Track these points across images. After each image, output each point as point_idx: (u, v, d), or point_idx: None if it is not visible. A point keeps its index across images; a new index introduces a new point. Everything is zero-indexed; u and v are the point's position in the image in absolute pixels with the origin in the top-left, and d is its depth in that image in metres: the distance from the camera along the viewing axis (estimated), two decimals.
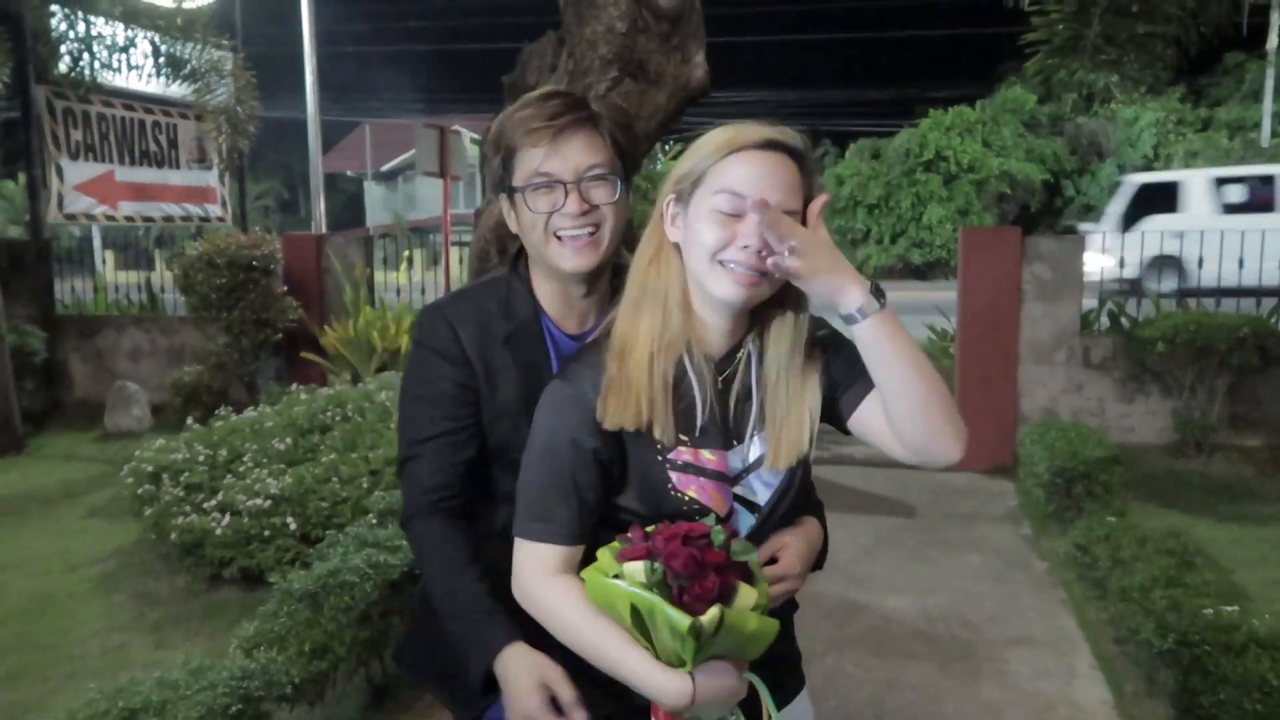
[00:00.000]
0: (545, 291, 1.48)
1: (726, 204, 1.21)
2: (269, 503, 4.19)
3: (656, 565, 1.13)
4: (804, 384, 1.31)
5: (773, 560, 1.31)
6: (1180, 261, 11.82)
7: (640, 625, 1.15)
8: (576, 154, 1.39)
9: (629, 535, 1.19)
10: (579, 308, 1.49)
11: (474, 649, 1.34)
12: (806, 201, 1.25)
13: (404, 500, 1.49)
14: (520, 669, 1.29)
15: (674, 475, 1.26)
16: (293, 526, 4.14)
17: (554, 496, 1.26)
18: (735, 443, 1.30)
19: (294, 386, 5.91)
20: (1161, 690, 3.07)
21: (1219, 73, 28.35)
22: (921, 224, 26.40)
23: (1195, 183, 15.59)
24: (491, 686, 1.33)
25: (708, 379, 1.27)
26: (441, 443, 1.43)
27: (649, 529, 1.20)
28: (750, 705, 1.27)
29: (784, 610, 1.37)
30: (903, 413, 1.23)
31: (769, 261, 1.19)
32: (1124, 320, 6.84)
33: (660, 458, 1.26)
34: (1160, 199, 15.48)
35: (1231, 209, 12.57)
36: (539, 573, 1.27)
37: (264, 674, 2.57)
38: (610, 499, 1.29)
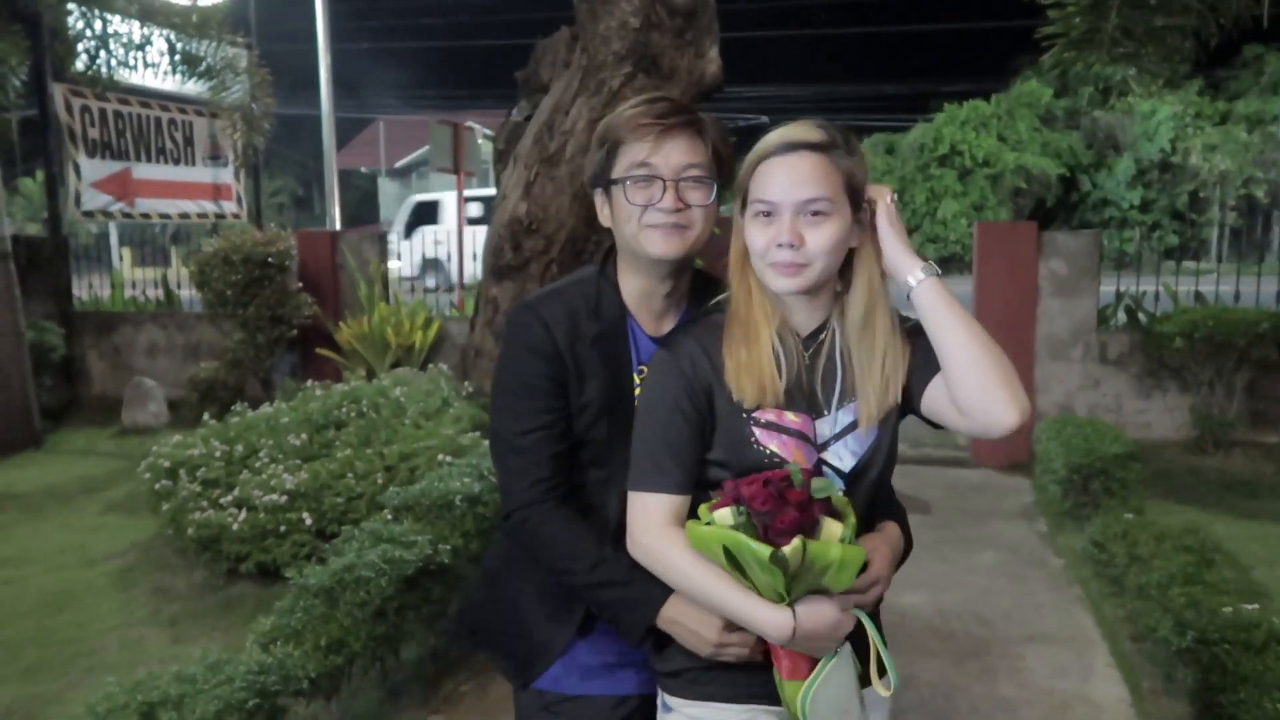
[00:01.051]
0: (631, 290, 1.55)
1: (762, 209, 1.36)
2: (285, 498, 4.21)
3: (741, 508, 1.27)
4: (885, 348, 1.41)
5: (864, 566, 1.39)
6: (441, 262, 14.52)
7: (736, 566, 1.27)
8: (678, 153, 1.46)
9: (723, 487, 1.33)
10: (660, 307, 1.56)
11: (635, 608, 1.43)
12: (849, 181, 1.37)
13: (506, 493, 1.52)
14: (691, 609, 1.40)
15: (757, 431, 1.38)
16: (308, 522, 4.16)
17: (661, 452, 1.40)
18: (825, 412, 1.42)
19: (309, 383, 5.93)
20: (1180, 688, 3.04)
21: (1238, 65, 28.06)
22: (936, 219, 26.29)
23: (449, 201, 18.97)
24: (643, 637, 1.44)
25: (793, 350, 1.41)
26: (542, 435, 1.49)
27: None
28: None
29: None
30: (958, 371, 1.33)
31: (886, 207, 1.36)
32: (1141, 316, 6.79)
33: (745, 414, 1.39)
34: (428, 214, 19.69)
35: (472, 222, 14.19)
36: (652, 524, 1.39)
37: (280, 669, 2.58)
38: (703, 455, 1.42)
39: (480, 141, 10.74)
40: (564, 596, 1.54)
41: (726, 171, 1.51)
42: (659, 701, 1.50)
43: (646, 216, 1.46)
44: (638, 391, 1.51)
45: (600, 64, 4.78)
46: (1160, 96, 25.69)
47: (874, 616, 1.45)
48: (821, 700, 1.34)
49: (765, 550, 1.22)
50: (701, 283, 1.60)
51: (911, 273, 1.35)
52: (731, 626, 1.37)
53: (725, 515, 1.28)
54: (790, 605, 1.29)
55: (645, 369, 1.52)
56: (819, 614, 1.30)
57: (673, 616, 1.41)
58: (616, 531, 1.49)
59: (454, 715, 3.23)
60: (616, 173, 1.49)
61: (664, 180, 1.45)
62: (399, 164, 36.06)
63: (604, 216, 1.54)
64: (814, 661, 1.35)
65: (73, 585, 4.42)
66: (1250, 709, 2.40)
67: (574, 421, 1.51)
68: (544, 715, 1.57)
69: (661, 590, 1.42)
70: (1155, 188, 26.75)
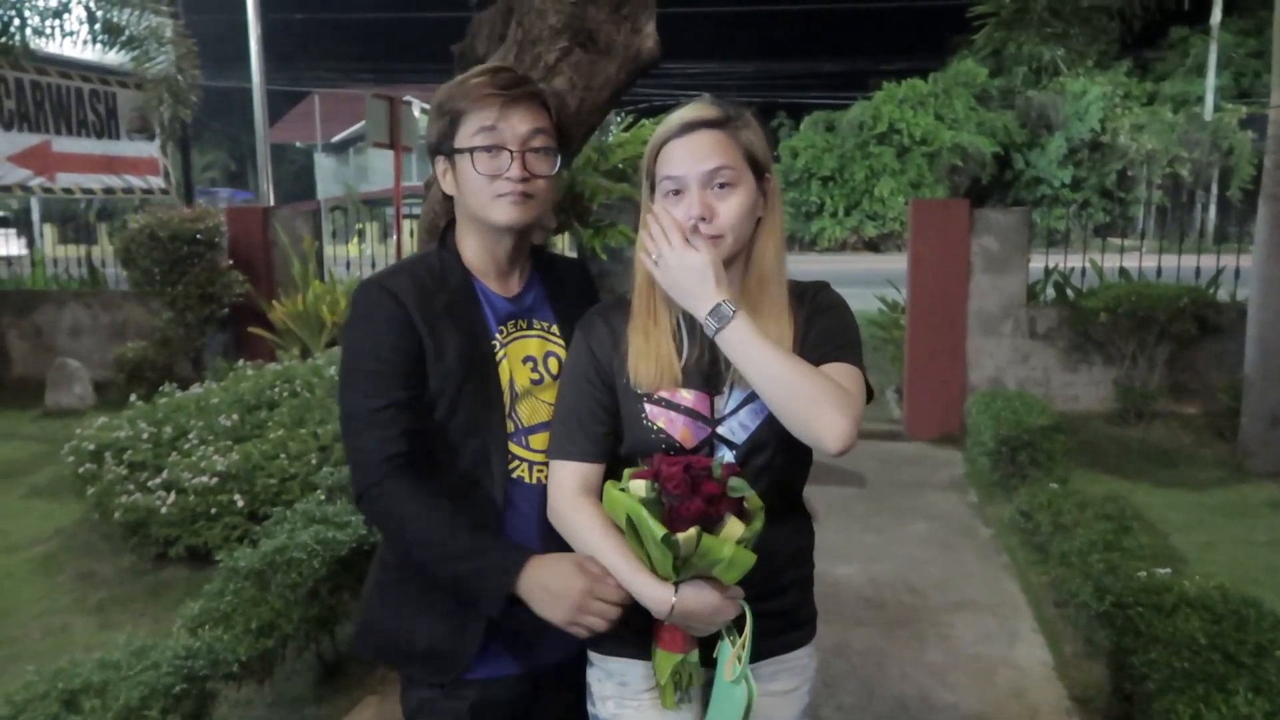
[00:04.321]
0: (476, 254, 1.57)
1: (671, 186, 1.41)
2: (215, 480, 4.13)
3: (655, 484, 1.30)
4: (778, 324, 1.42)
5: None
6: None
7: (635, 535, 1.32)
8: (524, 123, 1.48)
9: (652, 459, 1.35)
10: (505, 268, 1.58)
11: (491, 576, 1.40)
12: (749, 152, 1.41)
13: (358, 470, 1.48)
14: (552, 568, 1.39)
15: (648, 407, 1.43)
16: (240, 504, 4.08)
17: (574, 423, 1.46)
18: (723, 389, 1.44)
19: (241, 362, 5.82)
20: (1099, 651, 3.15)
21: (1165, 47, 28.80)
22: (874, 196, 26.62)
23: None
24: (504, 608, 1.41)
25: (697, 329, 1.42)
26: (395, 411, 1.46)
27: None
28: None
29: (800, 574, 1.55)
30: (772, 408, 1.36)
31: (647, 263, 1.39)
32: (1069, 292, 6.97)
33: (639, 391, 1.43)
34: None
35: None
36: (566, 491, 1.44)
37: (209, 653, 2.54)
38: (613, 427, 1.47)
39: (418, 116, 10.53)
40: None
41: (566, 142, 1.56)
42: (588, 655, 1.53)
43: (495, 186, 1.48)
44: (499, 353, 1.53)
45: (536, 38, 4.71)
46: (1091, 77, 26.26)
47: (774, 621, 1.48)
48: (712, 689, 1.40)
49: (660, 531, 1.26)
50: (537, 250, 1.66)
51: (699, 316, 1.35)
52: (594, 601, 1.37)
53: (639, 486, 1.32)
54: (676, 584, 1.33)
55: (504, 330, 1.55)
56: (701, 597, 1.33)
57: (533, 580, 1.39)
58: (504, 504, 1.49)
59: (390, 695, 3.22)
60: (460, 142, 1.50)
61: (510, 150, 1.47)
62: (335, 139, 35.33)
63: (447, 184, 1.54)
64: (691, 640, 1.39)
65: None
66: (1160, 668, 2.50)
67: (441, 388, 1.48)
68: (445, 702, 1.54)
69: (520, 555, 1.41)
70: (1085, 166, 27.38)
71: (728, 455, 1.42)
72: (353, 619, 3.42)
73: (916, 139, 26.29)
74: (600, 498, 1.43)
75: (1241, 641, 2.53)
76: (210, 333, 7.69)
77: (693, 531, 1.26)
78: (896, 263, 9.60)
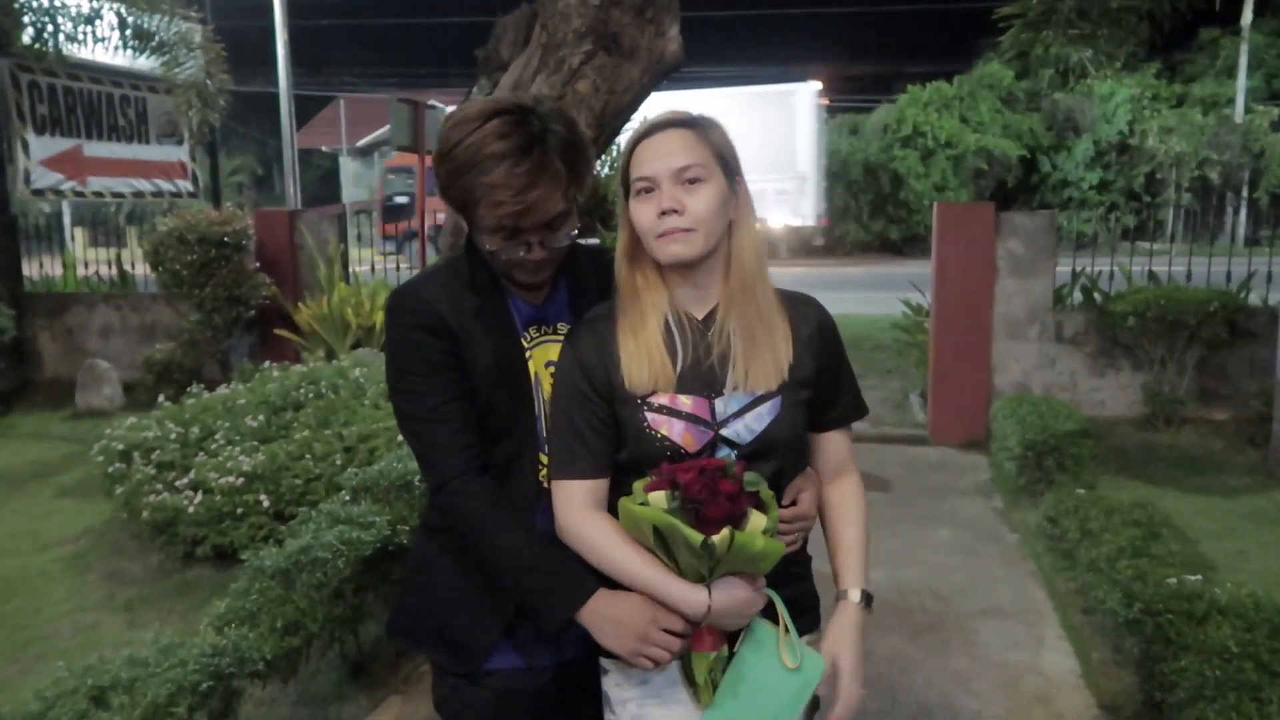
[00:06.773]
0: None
1: (642, 185, 1.43)
2: (241, 480, 4.17)
3: (676, 493, 1.32)
4: (768, 319, 1.47)
5: (793, 502, 1.52)
6: None
7: (663, 545, 1.34)
8: (543, 210, 1.41)
9: (660, 469, 1.37)
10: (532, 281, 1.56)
11: (560, 596, 1.42)
12: (718, 151, 1.44)
13: (434, 465, 1.49)
14: (620, 601, 1.40)
15: (649, 416, 1.44)
16: (266, 504, 4.12)
17: (572, 439, 1.46)
18: (723, 391, 1.45)
19: (267, 364, 5.87)
20: (1128, 659, 3.12)
21: (1194, 49, 28.43)
22: (899, 200, 26.43)
23: None
24: (563, 628, 1.44)
25: (688, 334, 1.46)
26: (459, 406, 1.48)
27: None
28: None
29: (800, 560, 1.58)
30: None
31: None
32: (1096, 295, 6.90)
33: (639, 401, 1.44)
34: None
35: None
36: (575, 508, 1.44)
37: (235, 651, 2.56)
38: (613, 437, 1.48)
39: (441, 120, 10.59)
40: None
41: (579, 182, 1.48)
42: (600, 664, 1.54)
43: (508, 252, 1.47)
44: (528, 355, 1.54)
45: (560, 41, 4.73)
46: (1118, 79, 25.97)
47: (806, 565, 1.58)
48: (736, 678, 1.40)
49: (698, 537, 1.28)
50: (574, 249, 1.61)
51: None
52: (657, 632, 1.38)
53: (660, 498, 1.33)
54: (707, 585, 1.35)
55: (529, 335, 1.56)
56: (733, 594, 1.36)
57: (601, 610, 1.41)
58: (534, 503, 1.51)
59: (414, 695, 3.23)
60: (479, 214, 1.44)
61: (530, 242, 1.44)
62: (360, 143, 35.55)
63: (456, 216, 1.58)
64: (722, 636, 1.41)
65: (24, 571, 4.35)
66: (1190, 677, 2.47)
67: (473, 392, 1.50)
68: (471, 690, 1.56)
69: (593, 584, 1.43)
70: (1113, 169, 27.05)
71: (730, 456, 1.43)
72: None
73: (941, 142, 26.10)
74: (607, 510, 1.45)
75: (1275, 650, 2.49)
76: (237, 334, 7.76)
77: (726, 532, 1.29)
78: (920, 266, 9.53)
